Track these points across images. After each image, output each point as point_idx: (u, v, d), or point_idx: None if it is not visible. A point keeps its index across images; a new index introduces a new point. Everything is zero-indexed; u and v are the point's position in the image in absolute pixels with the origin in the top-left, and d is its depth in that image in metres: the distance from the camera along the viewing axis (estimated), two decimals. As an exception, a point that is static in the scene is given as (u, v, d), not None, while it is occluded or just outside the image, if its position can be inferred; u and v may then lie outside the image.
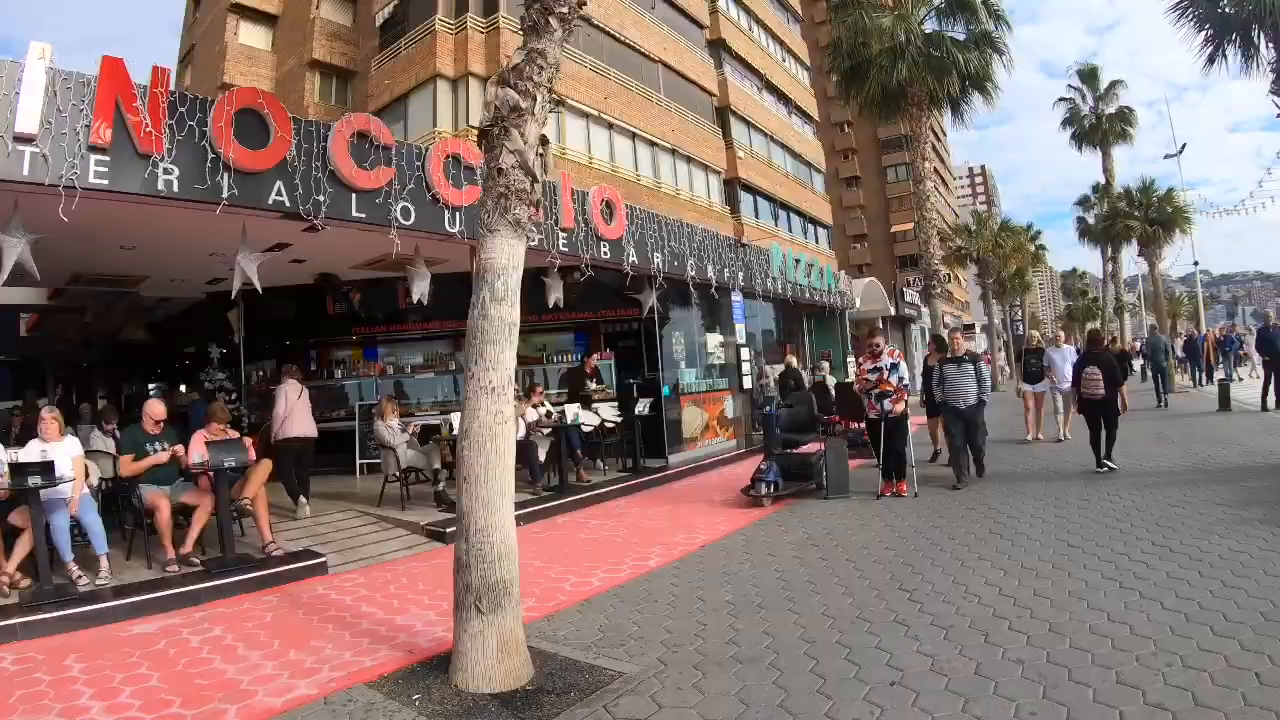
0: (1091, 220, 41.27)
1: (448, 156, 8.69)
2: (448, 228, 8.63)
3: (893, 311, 24.46)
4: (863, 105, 18.60)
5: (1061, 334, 14.15)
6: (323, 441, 12.36)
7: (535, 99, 4.97)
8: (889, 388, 8.88)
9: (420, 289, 9.04)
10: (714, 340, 13.95)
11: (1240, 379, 21.13)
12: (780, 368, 15.52)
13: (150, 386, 15.57)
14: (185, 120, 6.45)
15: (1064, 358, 12.33)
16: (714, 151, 26.87)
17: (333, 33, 23.59)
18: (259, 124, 6.99)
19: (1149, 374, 20.42)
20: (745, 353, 14.01)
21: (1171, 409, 16.84)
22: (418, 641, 5.01)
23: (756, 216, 28.84)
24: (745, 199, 28.47)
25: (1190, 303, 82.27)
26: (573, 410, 10.80)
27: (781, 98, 34.11)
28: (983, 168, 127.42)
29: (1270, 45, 8.93)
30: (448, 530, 7.81)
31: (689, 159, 25.64)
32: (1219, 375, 20.27)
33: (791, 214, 32.09)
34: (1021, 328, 56.82)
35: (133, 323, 15.29)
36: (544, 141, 5.08)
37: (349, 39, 24.00)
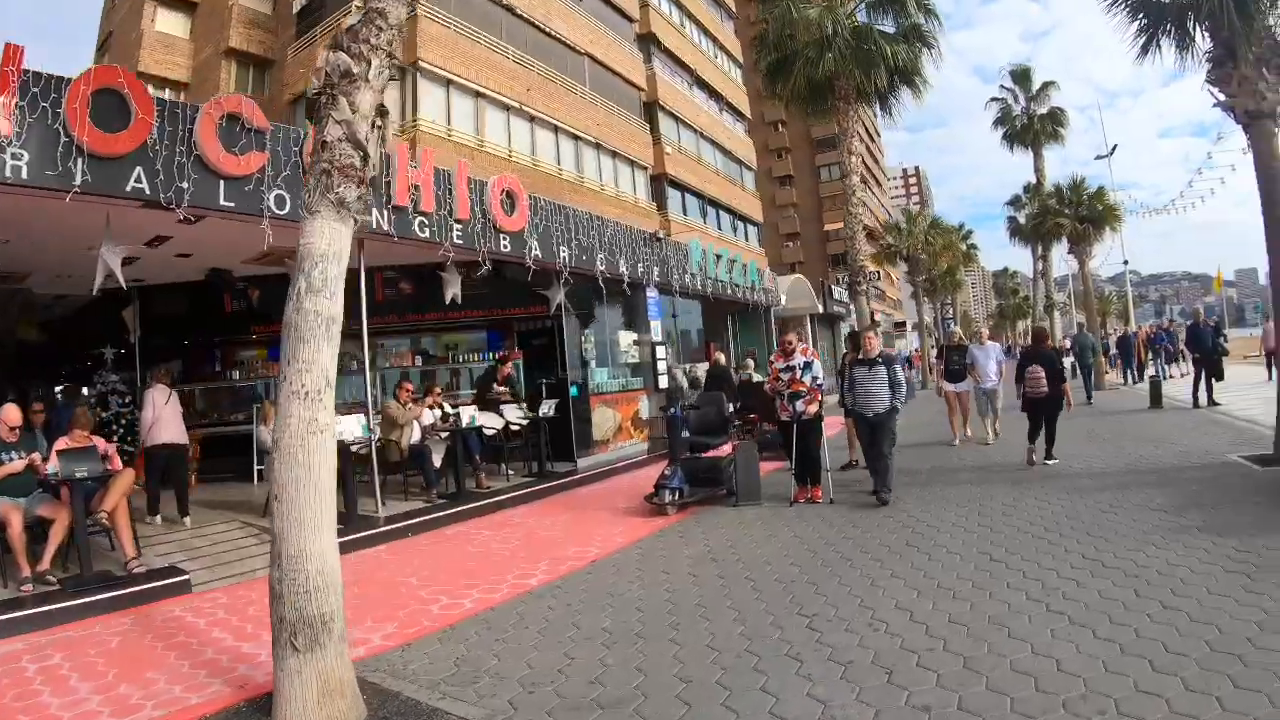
0: (1022, 219, 41.80)
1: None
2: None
3: (821, 309, 24.23)
4: (789, 99, 18.16)
5: (985, 330, 13.43)
6: (221, 446, 11.66)
7: (370, 64, 4.38)
8: (801, 388, 8.31)
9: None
10: (627, 338, 13.38)
11: (1172, 376, 21.44)
12: (704, 366, 15.05)
13: (56, 389, 14.45)
14: (38, 101, 5.83)
15: (987, 355, 11.98)
16: (641, 147, 26.37)
17: (251, 20, 22.53)
18: (119, 105, 6.31)
19: (1077, 372, 20.19)
20: (661, 351, 13.48)
21: (1102, 406, 16.81)
22: (255, 675, 4.51)
23: (685, 213, 28.46)
24: (673, 195, 28.05)
25: (1120, 301, 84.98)
26: (469, 412, 10.10)
27: (713, 94, 33.84)
28: (916, 169, 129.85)
29: (1206, 34, 8.67)
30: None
31: (614, 154, 25.09)
32: (1149, 372, 20.41)
33: (721, 211, 31.81)
34: (953, 325, 57.87)
35: (24, 321, 14.09)
36: (382, 113, 4.48)
37: (268, 27, 22.93)
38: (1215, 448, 9.77)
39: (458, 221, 9.50)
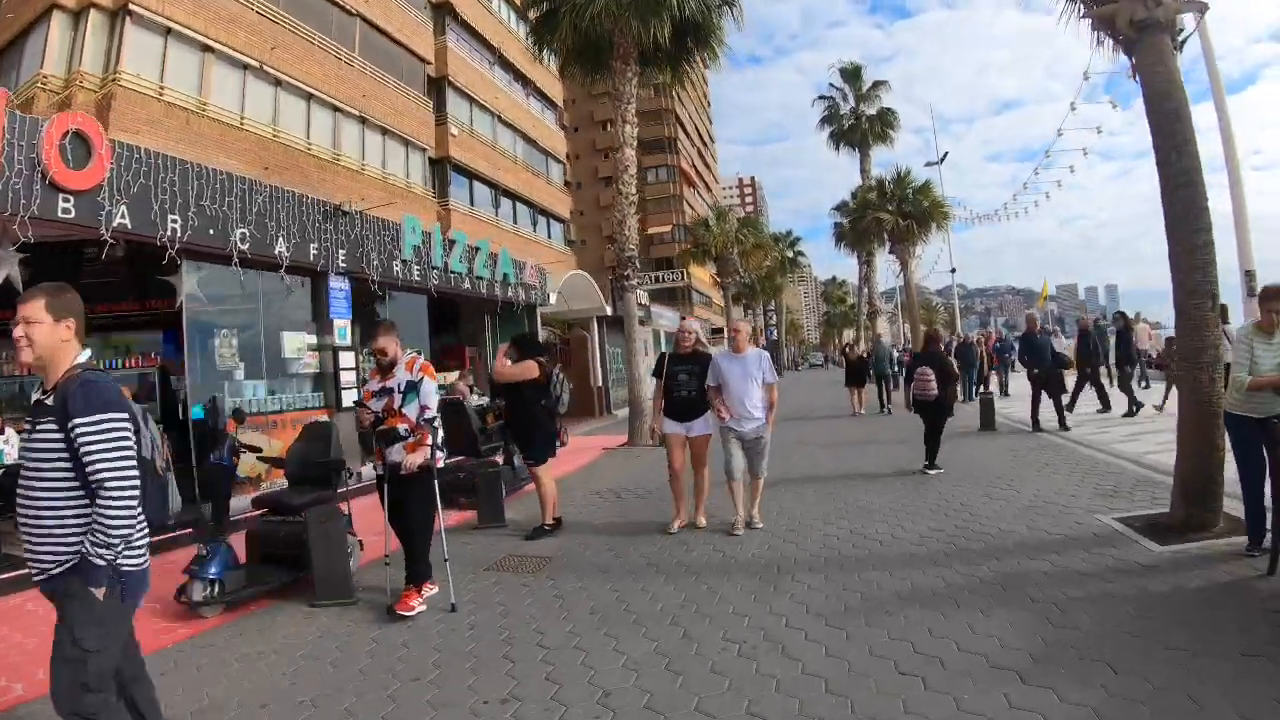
0: (848, 224, 41.47)
1: None
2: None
3: (610, 311, 22.00)
4: (564, 59, 15.72)
5: (744, 329, 7.41)
6: None
7: None
8: (401, 424, 5.30)
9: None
10: (295, 341, 10.42)
11: (1009, 395, 19.37)
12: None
13: None
14: None
15: (745, 370, 6.80)
16: (419, 125, 23.39)
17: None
18: None
19: (897, 383, 19.59)
20: (348, 358, 10.72)
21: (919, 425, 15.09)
22: None
23: (472, 203, 25.69)
24: (458, 182, 25.23)
25: (946, 311, 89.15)
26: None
27: (520, 78, 31.24)
28: (752, 178, 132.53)
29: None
30: None
31: (384, 130, 22.01)
32: (989, 389, 17.91)
33: (519, 204, 29.20)
34: (775, 333, 57.90)
35: None
36: None
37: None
38: (1076, 499, 7.05)
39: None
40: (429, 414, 5.32)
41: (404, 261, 11.84)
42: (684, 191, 60.60)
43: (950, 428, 12.88)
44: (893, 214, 24.03)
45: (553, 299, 17.53)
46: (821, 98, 32.65)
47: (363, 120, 21.26)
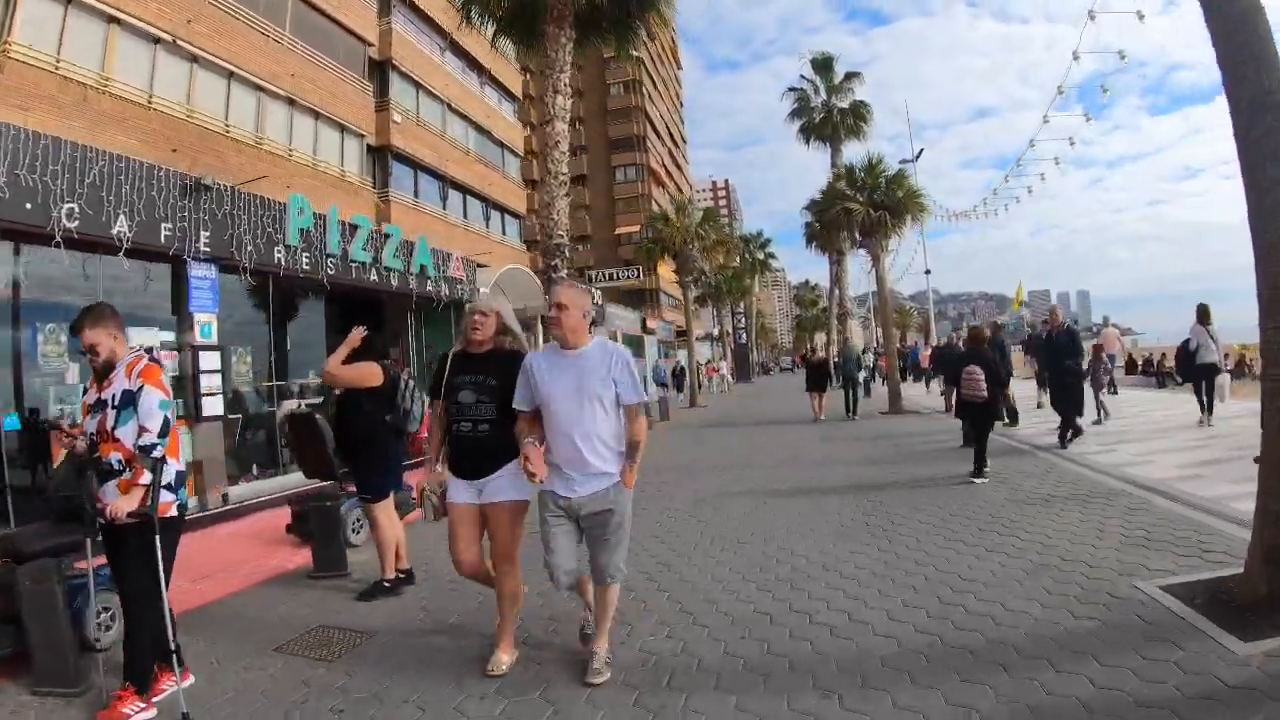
0: (816, 216, 39.88)
1: None
2: None
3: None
4: (496, 29, 14.17)
5: (574, 300, 3.80)
6: None
7: None
8: (113, 452, 3.72)
9: None
10: (145, 339, 8.86)
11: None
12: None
13: None
14: None
15: (580, 382, 3.79)
16: (356, 110, 21.81)
17: None
18: None
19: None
20: (212, 359, 9.17)
21: (902, 434, 13.70)
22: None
23: (416, 195, 24.14)
24: (401, 172, 23.67)
25: (919, 315, 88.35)
26: None
27: (474, 66, 29.69)
28: (726, 181, 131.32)
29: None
30: None
31: (316, 114, 20.42)
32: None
33: (470, 197, 27.65)
34: (745, 336, 56.67)
35: None
36: None
37: None
38: (1100, 552, 5.22)
39: None
40: (146, 439, 3.64)
41: (288, 247, 10.31)
42: (653, 191, 59.27)
43: (925, 444, 11.64)
44: (863, 204, 20.10)
45: (482, 294, 15.88)
46: (791, 89, 31.13)
47: (291, 102, 19.66)
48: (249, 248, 9.66)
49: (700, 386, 30.40)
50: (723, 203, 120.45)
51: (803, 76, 31.41)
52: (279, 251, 10.19)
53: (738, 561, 5.81)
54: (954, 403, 8.85)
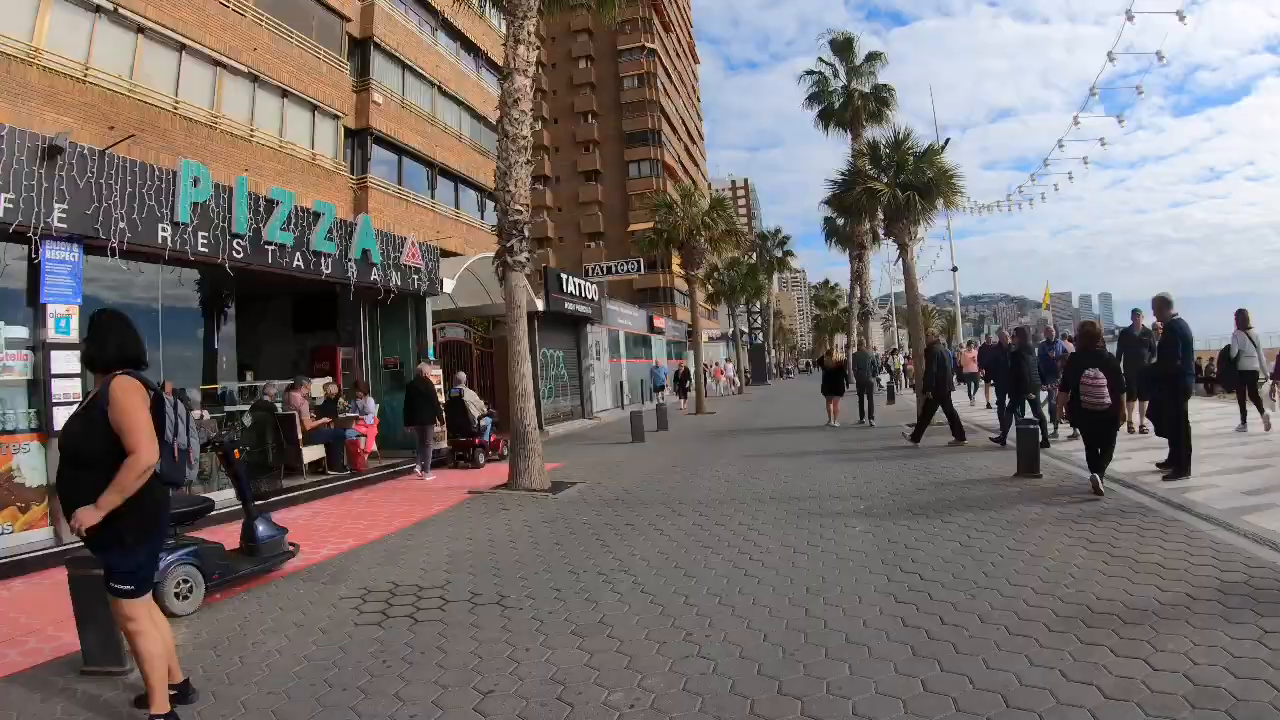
0: (841, 221, 37.54)
1: None
2: None
3: (541, 305, 18.47)
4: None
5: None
6: None
7: None
8: None
9: None
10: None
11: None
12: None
13: None
14: None
15: None
16: (331, 89, 20.02)
17: None
18: None
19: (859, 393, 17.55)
20: (69, 360, 7.31)
21: (918, 457, 11.58)
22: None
23: (400, 181, 22.30)
24: (384, 158, 21.86)
25: (942, 317, 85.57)
26: None
27: (470, 48, 27.86)
28: (745, 180, 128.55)
29: None
30: None
31: (284, 92, 18.66)
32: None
33: (462, 186, 25.80)
34: (760, 337, 54.48)
35: None
36: None
37: None
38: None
39: None
40: None
41: (177, 224, 8.42)
42: (669, 188, 57.34)
43: (967, 472, 9.57)
44: (889, 185, 17.03)
45: (448, 286, 13.91)
46: (809, 72, 28.86)
47: (254, 78, 17.90)
48: (121, 224, 7.77)
49: (706, 392, 28.19)
50: (741, 201, 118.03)
51: (821, 59, 29.19)
52: (164, 230, 8.28)
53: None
54: (1064, 412, 7.87)
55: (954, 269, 33.39)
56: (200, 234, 8.74)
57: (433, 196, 23.49)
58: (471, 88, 27.02)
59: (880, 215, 17.50)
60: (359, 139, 21.12)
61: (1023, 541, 5.88)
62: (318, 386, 12.17)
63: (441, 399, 12.83)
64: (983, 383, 19.17)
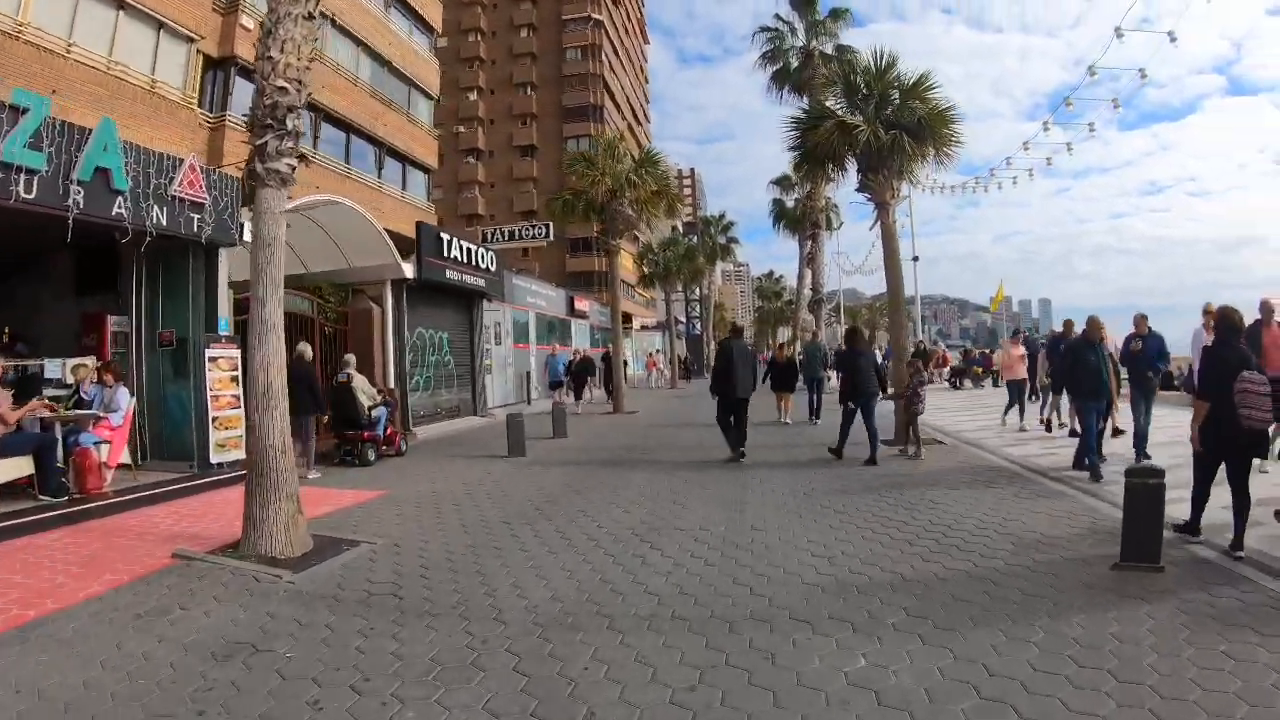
0: (790, 203, 34.96)
1: None
2: None
3: (411, 272, 14.91)
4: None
5: None
6: None
7: None
8: None
9: None
10: None
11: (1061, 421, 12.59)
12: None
13: None
14: None
15: None
16: (186, 4, 16.59)
17: None
18: None
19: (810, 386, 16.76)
20: None
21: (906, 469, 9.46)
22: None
23: (272, 124, 18.84)
24: (250, 93, 18.41)
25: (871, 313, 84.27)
26: None
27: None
28: (692, 170, 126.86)
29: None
30: None
31: (119, 3, 15.20)
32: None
33: (355, 138, 22.47)
34: (699, 327, 51.91)
35: None
36: None
37: None
38: None
39: None
40: None
41: None
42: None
43: (1021, 544, 5.89)
44: (869, 121, 12.34)
45: (247, 230, 9.84)
46: (764, 29, 26.08)
47: (74, -18, 14.45)
48: None
49: (633, 383, 25.20)
50: (687, 191, 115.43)
51: (778, 16, 26.50)
52: None
53: None
54: (1198, 432, 5.28)
55: (915, 258, 31.48)
56: None
57: (314, 146, 20.08)
58: (375, 25, 23.67)
59: (854, 165, 12.78)
60: (220, 68, 17.73)
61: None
62: (57, 366, 8.92)
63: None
64: (1047, 394, 12.92)
